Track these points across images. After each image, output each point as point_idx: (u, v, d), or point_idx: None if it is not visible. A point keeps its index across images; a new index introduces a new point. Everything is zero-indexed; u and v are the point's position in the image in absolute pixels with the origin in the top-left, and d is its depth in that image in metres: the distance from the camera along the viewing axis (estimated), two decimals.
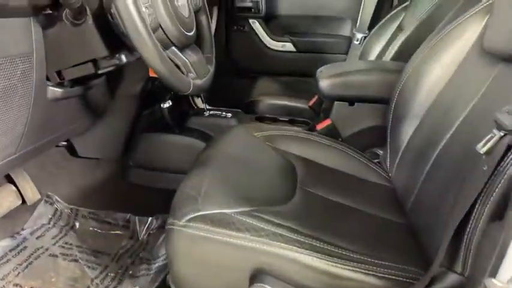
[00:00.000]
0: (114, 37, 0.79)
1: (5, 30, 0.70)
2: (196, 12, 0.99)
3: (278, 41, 2.06)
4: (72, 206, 1.31)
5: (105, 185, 1.40)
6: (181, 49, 0.87)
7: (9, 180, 1.18)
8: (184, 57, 0.86)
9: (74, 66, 0.82)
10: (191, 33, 0.90)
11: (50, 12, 0.77)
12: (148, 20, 0.73)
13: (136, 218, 1.30)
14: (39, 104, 0.82)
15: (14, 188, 1.17)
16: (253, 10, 2.02)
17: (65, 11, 0.76)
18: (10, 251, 1.13)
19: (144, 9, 0.73)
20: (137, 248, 1.26)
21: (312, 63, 1.56)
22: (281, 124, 1.60)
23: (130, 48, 0.84)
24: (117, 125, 1.34)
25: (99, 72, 0.82)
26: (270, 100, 1.67)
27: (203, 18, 1.02)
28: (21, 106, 0.78)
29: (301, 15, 2.05)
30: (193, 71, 0.87)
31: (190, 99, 1.76)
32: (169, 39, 0.83)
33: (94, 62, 0.81)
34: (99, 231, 1.29)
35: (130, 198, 1.39)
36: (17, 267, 1.09)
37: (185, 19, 0.88)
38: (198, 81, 0.88)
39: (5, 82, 0.72)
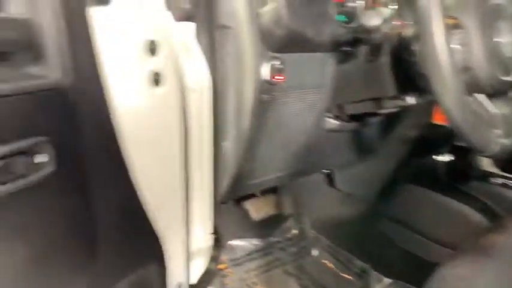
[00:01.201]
0: (405, 76, 0.72)
1: (306, 63, 0.76)
2: None
3: None
4: (315, 232, 1.34)
5: (351, 224, 1.35)
6: (491, 97, 0.70)
7: (275, 191, 1.32)
8: (492, 108, 0.68)
9: (356, 102, 0.80)
10: (508, 78, 0.70)
11: (347, 49, 0.79)
12: (458, 60, 0.61)
13: (374, 272, 1.19)
14: (315, 132, 0.86)
15: (275, 198, 1.30)
16: None
17: (362, 48, 0.76)
18: (259, 250, 1.26)
19: (456, 46, 0.62)
20: None
21: None
22: None
23: (421, 90, 0.74)
24: (381, 167, 1.27)
25: (381, 112, 0.77)
26: None
27: None
28: (299, 131, 0.84)
29: None
30: (501, 126, 0.67)
31: (477, 158, 1.47)
32: (478, 84, 0.67)
33: (377, 100, 0.77)
34: (333, 267, 1.25)
35: (372, 248, 1.29)
36: (258, 268, 1.20)
37: (505, 59, 0.69)
38: (506, 142, 0.68)
39: (295, 109, 0.79)
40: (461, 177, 1.25)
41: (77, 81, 0.47)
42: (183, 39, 0.73)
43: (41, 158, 0.43)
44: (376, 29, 0.66)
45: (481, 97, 0.68)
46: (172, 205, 0.73)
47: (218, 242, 1.11)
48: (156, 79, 0.62)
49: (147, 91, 0.61)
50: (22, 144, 0.42)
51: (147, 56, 0.59)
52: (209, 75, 0.75)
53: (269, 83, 0.71)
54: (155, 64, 0.61)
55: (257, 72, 0.70)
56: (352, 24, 0.77)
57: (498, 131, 0.67)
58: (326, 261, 1.26)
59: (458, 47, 0.63)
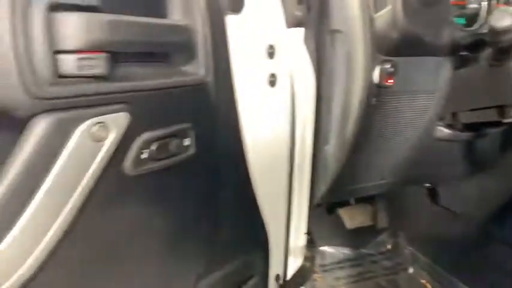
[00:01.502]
0: None
1: (419, 67, 0.73)
2: None
3: None
4: (412, 249, 1.26)
5: (456, 244, 1.24)
6: None
7: (371, 201, 1.28)
8: None
9: (473, 110, 0.75)
10: None
11: (466, 53, 0.74)
12: None
13: None
14: (423, 140, 0.82)
15: (371, 209, 1.26)
16: None
17: (484, 52, 0.70)
18: (349, 260, 1.23)
19: None
20: None
21: None
22: None
23: None
24: (497, 184, 1.14)
25: (505, 121, 0.70)
26: None
27: None
28: (406, 138, 0.80)
29: None
30: None
31: None
32: None
33: (499, 108, 0.71)
34: (429, 287, 1.17)
35: (481, 274, 1.16)
36: (348, 277, 1.18)
37: None
38: None
39: (403, 114, 0.76)
40: None
41: (215, 78, 0.53)
42: (293, 44, 0.76)
43: (187, 142, 0.50)
44: (506, 31, 0.61)
45: None
46: (277, 199, 0.76)
47: (312, 244, 1.12)
48: (272, 80, 0.66)
49: (265, 91, 0.65)
50: (175, 128, 0.49)
51: (266, 59, 0.64)
52: (315, 78, 0.76)
53: (379, 87, 0.70)
54: (273, 67, 0.66)
55: (367, 75, 0.69)
56: (473, 27, 0.73)
57: None
58: (423, 281, 1.18)
59: None
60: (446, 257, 1.21)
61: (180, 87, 0.49)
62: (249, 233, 0.72)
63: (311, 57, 0.77)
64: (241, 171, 0.63)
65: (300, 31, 0.77)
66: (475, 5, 0.74)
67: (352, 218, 1.23)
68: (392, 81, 0.69)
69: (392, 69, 0.69)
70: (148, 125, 0.46)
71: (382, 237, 1.29)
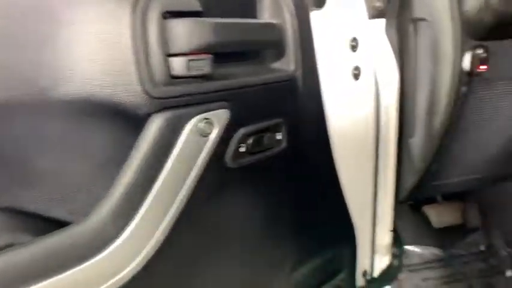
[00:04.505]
0: None
1: None
2: None
3: None
4: (509, 249, 1.15)
5: None
6: None
7: (462, 198, 1.20)
8: None
9: None
10: None
11: None
12: None
13: None
14: None
15: (461, 206, 1.18)
16: None
17: None
18: (438, 260, 1.17)
19: None
20: None
21: None
22: None
23: None
24: None
25: None
26: None
27: None
28: (501, 130, 0.75)
29: None
30: None
31: None
32: None
33: None
34: None
35: None
36: (438, 278, 1.12)
37: None
38: None
39: (498, 103, 0.72)
40: None
41: (303, 73, 0.55)
42: (375, 35, 0.75)
43: (279, 136, 0.53)
44: None
45: None
46: (363, 194, 0.76)
47: (398, 242, 1.08)
48: (356, 74, 0.66)
49: (350, 84, 0.65)
50: (269, 123, 0.52)
51: (350, 52, 0.64)
52: (398, 70, 0.75)
53: (470, 74, 0.66)
54: (356, 60, 0.66)
55: (457, 62, 0.66)
56: None
57: None
58: None
59: None
60: None
61: (272, 83, 0.52)
62: (337, 227, 0.73)
63: (393, 48, 0.76)
64: (328, 165, 0.64)
65: (381, 22, 0.76)
66: None
67: (439, 216, 1.16)
68: (485, 67, 0.65)
69: (485, 55, 0.65)
70: (245, 121, 0.49)
71: (474, 236, 1.20)
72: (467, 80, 0.67)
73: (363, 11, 0.70)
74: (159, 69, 0.41)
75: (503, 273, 1.12)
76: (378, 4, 0.76)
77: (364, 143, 0.71)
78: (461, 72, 0.67)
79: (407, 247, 1.15)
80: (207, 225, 0.51)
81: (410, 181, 0.82)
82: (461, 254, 1.17)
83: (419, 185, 0.82)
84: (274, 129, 0.53)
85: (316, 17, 0.58)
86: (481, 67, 0.65)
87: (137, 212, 0.43)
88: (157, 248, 0.45)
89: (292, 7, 0.53)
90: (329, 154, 0.64)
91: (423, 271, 1.12)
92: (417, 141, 0.78)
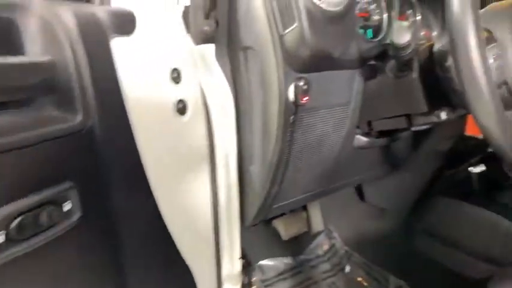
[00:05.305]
0: (438, 92, 0.69)
1: (332, 81, 0.74)
2: None
3: None
4: (347, 248, 1.30)
5: (384, 239, 1.31)
6: None
7: (304, 207, 1.29)
8: None
9: (386, 118, 0.77)
10: None
11: (374, 63, 0.76)
12: (494, 75, 0.58)
13: None
14: (344, 150, 0.83)
15: (305, 215, 1.27)
16: None
17: (389, 63, 0.73)
18: (290, 269, 1.23)
19: (491, 60, 0.58)
20: None
21: None
22: None
23: (454, 106, 0.71)
24: (413, 180, 1.22)
25: (413, 129, 0.73)
26: None
27: None
28: (327, 151, 0.81)
29: None
30: None
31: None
32: None
33: (408, 116, 0.74)
34: (366, 285, 1.21)
35: (407, 265, 1.23)
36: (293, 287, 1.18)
37: None
38: None
39: (322, 129, 0.76)
40: (495, 188, 1.19)
41: (101, 119, 0.45)
42: (204, 62, 0.72)
43: (68, 206, 0.42)
44: (406, 46, 0.64)
45: None
46: (200, 232, 0.72)
47: (249, 266, 1.09)
48: (181, 107, 0.60)
49: (174, 121, 0.59)
50: (48, 193, 0.40)
51: (172, 85, 0.58)
52: (232, 97, 0.73)
53: (295, 104, 0.69)
54: (179, 92, 0.59)
55: (282, 94, 0.68)
56: (378, 38, 0.75)
57: None
58: (360, 278, 1.22)
59: (491, 61, 0.60)
60: (377, 251, 1.27)
61: (51, 140, 0.40)
62: (170, 275, 0.67)
63: (225, 74, 0.74)
64: (149, 215, 0.55)
65: (211, 47, 0.73)
66: (377, 17, 0.76)
67: (287, 227, 1.23)
68: (307, 98, 0.69)
69: (306, 87, 0.68)
70: (5, 197, 0.37)
71: (318, 240, 1.31)
72: (293, 109, 0.70)
73: (184, 37, 0.65)
74: None
75: (343, 270, 1.25)
76: (206, 28, 0.73)
77: (197, 178, 0.67)
78: (287, 102, 0.69)
79: (261, 262, 1.19)
80: None
81: (254, 207, 0.83)
82: (308, 259, 1.27)
83: (263, 209, 0.83)
84: (59, 199, 0.41)
85: (121, 47, 0.48)
86: (304, 99, 0.68)
87: None
88: None
89: (76, 36, 0.41)
90: (151, 202, 0.55)
91: (278, 283, 1.17)
92: (256, 169, 0.78)
